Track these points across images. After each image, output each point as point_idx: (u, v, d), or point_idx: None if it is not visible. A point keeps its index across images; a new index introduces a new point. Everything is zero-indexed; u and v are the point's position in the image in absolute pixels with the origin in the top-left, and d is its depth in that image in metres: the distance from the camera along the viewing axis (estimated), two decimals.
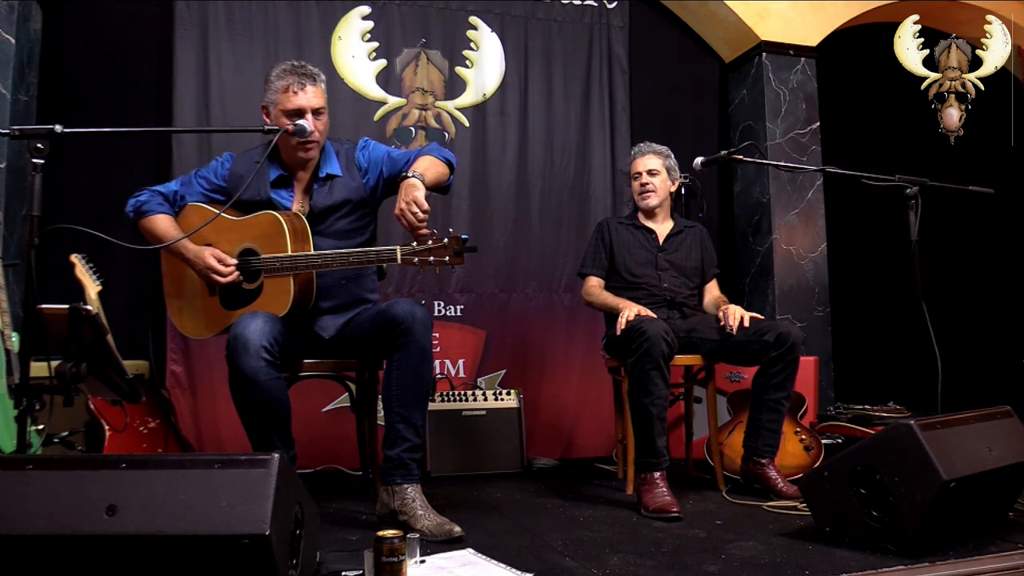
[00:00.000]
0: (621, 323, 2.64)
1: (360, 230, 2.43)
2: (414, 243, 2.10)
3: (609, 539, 2.15)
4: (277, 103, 2.31)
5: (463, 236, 2.09)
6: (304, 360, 2.43)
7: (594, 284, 2.98)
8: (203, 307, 2.38)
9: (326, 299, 2.36)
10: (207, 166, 2.50)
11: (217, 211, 2.27)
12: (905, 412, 3.65)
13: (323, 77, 2.37)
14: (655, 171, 3.01)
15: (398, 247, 2.12)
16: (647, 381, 2.51)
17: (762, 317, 2.82)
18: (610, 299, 2.87)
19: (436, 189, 2.28)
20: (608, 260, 3.01)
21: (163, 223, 2.36)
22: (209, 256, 2.26)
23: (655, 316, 2.67)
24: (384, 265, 2.42)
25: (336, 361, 2.49)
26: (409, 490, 2.19)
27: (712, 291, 3.09)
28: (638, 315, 2.63)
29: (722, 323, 2.76)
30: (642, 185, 3.02)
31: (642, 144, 3.10)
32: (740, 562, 1.89)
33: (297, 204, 2.39)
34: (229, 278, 2.26)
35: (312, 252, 2.24)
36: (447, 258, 2.07)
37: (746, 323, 2.72)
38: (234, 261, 2.28)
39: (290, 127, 2.23)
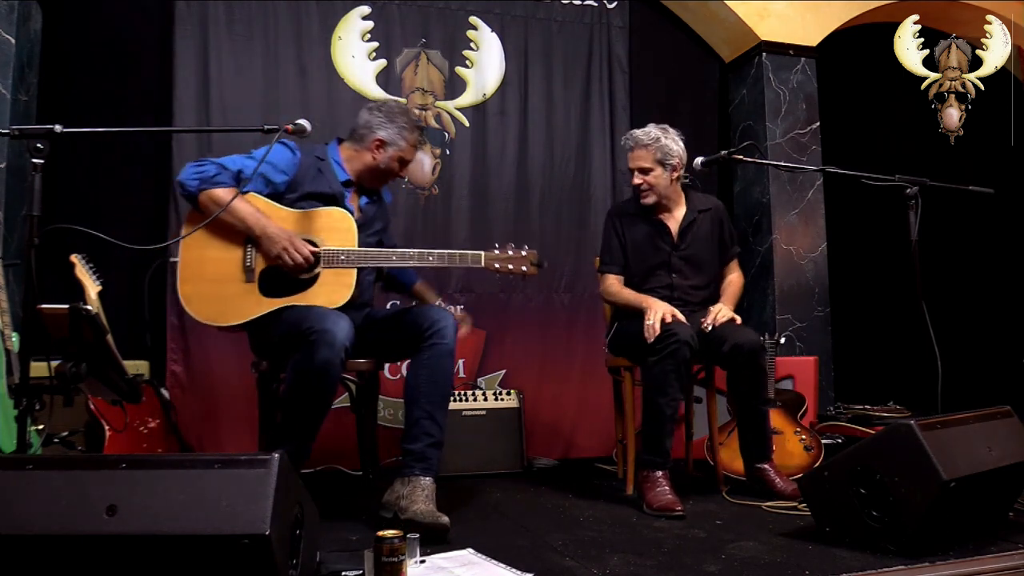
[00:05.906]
0: (655, 327, 2.56)
1: None
2: (496, 251, 2.40)
3: (609, 539, 2.15)
4: (401, 149, 2.50)
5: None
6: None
7: (612, 282, 2.89)
8: (233, 293, 2.33)
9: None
10: (272, 149, 2.31)
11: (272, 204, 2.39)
12: (905, 412, 3.64)
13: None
14: (646, 168, 2.83)
15: (483, 252, 2.38)
16: (666, 382, 2.52)
17: (739, 320, 2.74)
18: (632, 298, 2.79)
19: None
20: (623, 254, 2.92)
21: (236, 197, 2.32)
22: (295, 237, 2.31)
23: (684, 320, 2.61)
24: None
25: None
26: (423, 481, 2.21)
27: (728, 274, 3.01)
28: (668, 318, 2.58)
29: (704, 323, 2.71)
30: (637, 185, 2.87)
31: (628, 135, 2.91)
32: (740, 562, 1.89)
33: (356, 209, 2.52)
34: (299, 261, 2.30)
35: (387, 249, 2.45)
36: (525, 268, 2.33)
37: (717, 321, 2.68)
38: (308, 251, 2.31)
39: (290, 127, 2.21)
